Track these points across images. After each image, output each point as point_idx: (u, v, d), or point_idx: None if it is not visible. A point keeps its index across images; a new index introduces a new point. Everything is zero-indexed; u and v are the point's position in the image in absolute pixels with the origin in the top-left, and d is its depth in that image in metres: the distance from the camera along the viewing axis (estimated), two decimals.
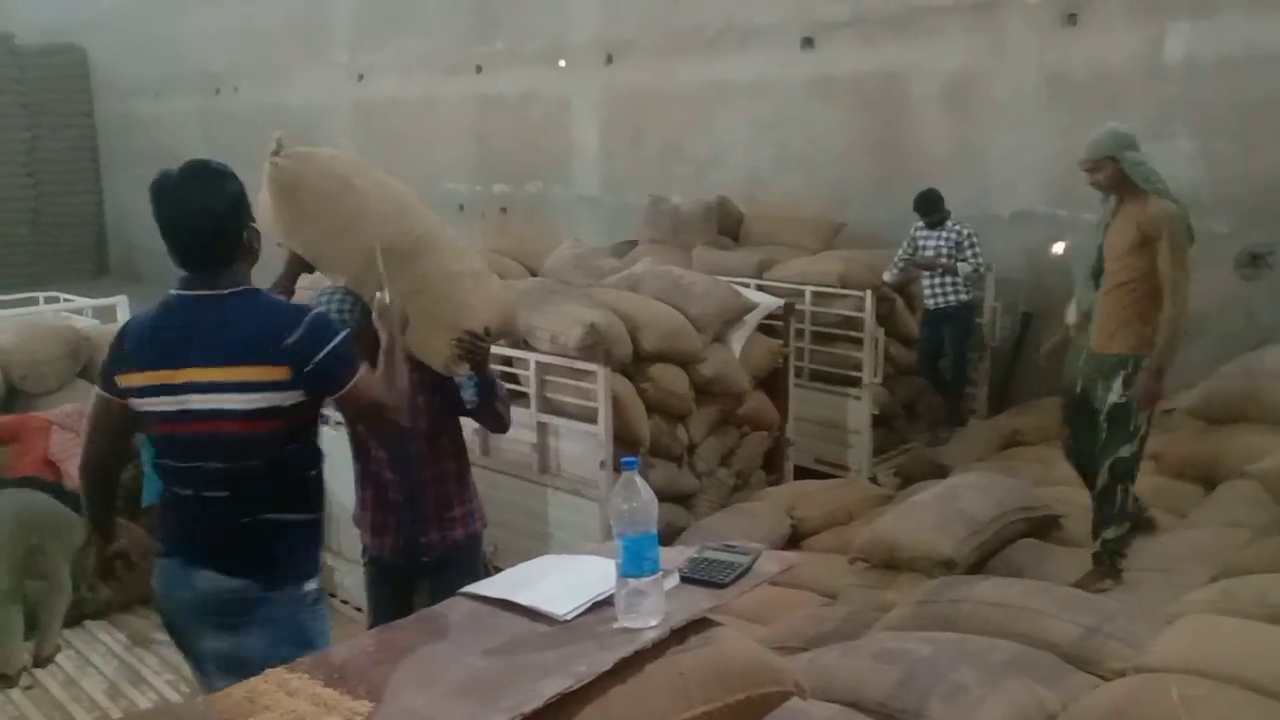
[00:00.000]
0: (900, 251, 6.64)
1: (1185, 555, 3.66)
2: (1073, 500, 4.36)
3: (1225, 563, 3.19)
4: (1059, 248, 6.85)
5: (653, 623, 1.77)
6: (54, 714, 4.06)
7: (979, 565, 3.76)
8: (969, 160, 7.19)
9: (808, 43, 8.00)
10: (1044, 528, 4.09)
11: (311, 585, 2.41)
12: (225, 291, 2.28)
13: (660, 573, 1.78)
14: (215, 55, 13.57)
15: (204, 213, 2.27)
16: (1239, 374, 4.66)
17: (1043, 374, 7.05)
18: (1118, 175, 3.79)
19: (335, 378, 2.29)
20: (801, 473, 5.98)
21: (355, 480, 3.09)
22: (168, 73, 14.41)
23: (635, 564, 1.74)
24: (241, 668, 2.04)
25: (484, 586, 2.02)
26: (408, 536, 3.03)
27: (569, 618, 1.83)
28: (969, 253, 6.44)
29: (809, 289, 6.60)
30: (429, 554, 3.03)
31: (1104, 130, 3.86)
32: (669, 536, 4.64)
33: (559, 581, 1.97)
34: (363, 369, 2.34)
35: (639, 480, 1.73)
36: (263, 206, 2.68)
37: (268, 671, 1.77)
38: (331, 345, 2.27)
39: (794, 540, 4.72)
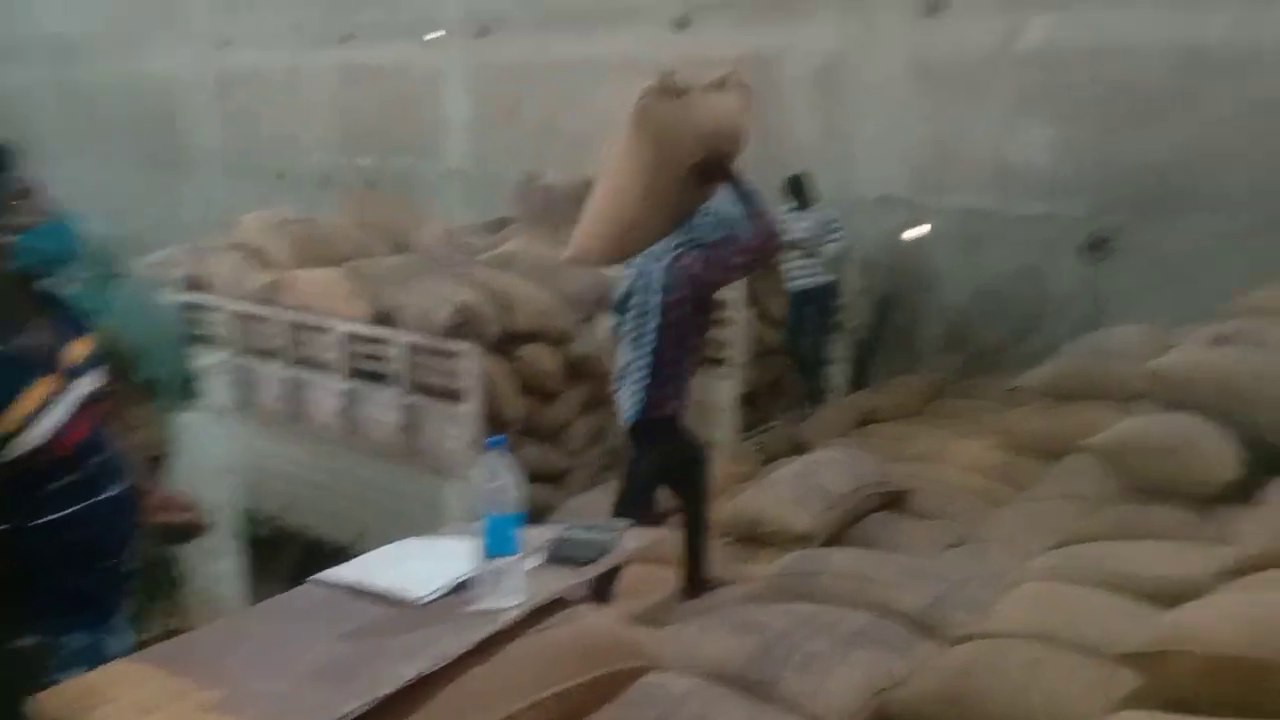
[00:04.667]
0: None
1: (1028, 525, 3.85)
2: (924, 475, 4.54)
3: (1064, 531, 3.37)
4: (918, 231, 7.09)
5: (514, 603, 1.77)
6: None
7: (836, 538, 3.88)
8: (836, 144, 7.36)
9: (681, 22, 8.04)
10: (898, 500, 4.26)
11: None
12: None
13: (523, 553, 1.79)
14: (69, 20, 12.74)
15: None
16: (1085, 353, 4.88)
17: (900, 355, 7.37)
18: None
19: None
20: None
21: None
22: (14, 39, 13.42)
23: (498, 544, 1.74)
24: None
25: (340, 572, 1.98)
26: None
27: (427, 601, 1.81)
28: (834, 235, 6.61)
29: None
30: None
31: None
32: (539, 516, 4.64)
33: (419, 564, 1.95)
34: None
35: (503, 459, 1.73)
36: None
37: (105, 666, 1.71)
38: None
39: (662, 517, 4.77)
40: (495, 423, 4.61)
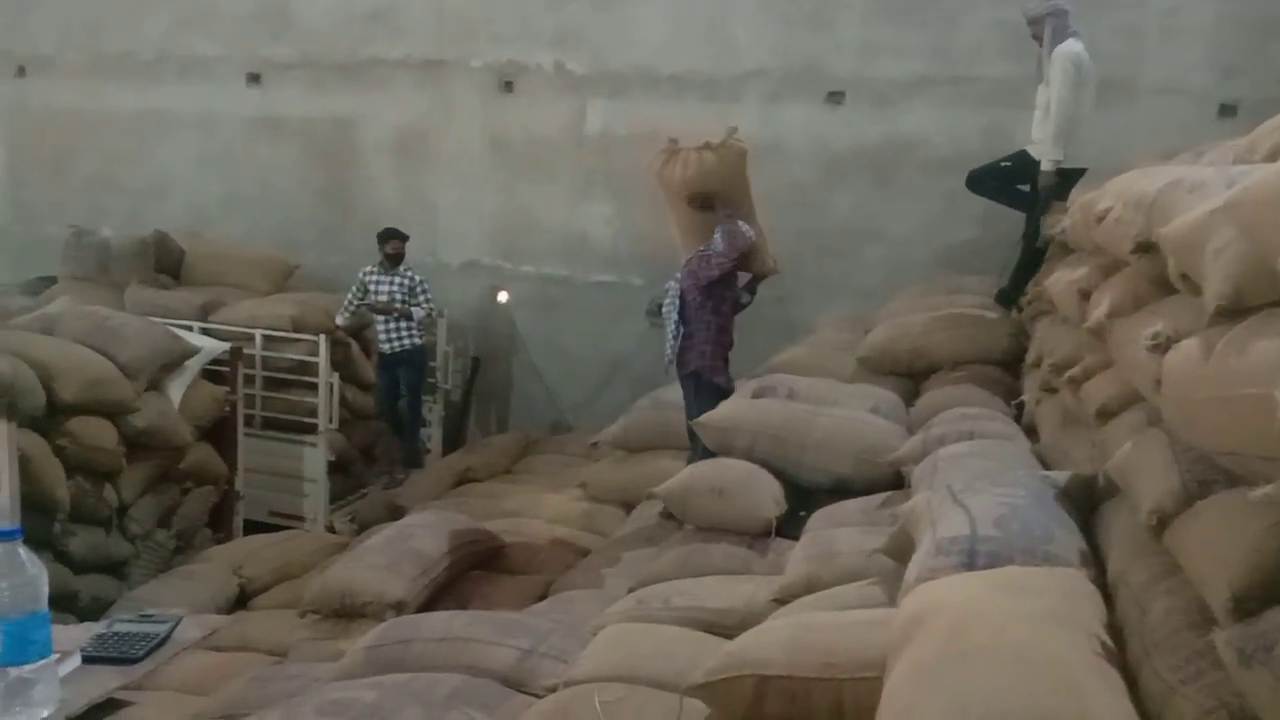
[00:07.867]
0: (352, 295, 6.63)
1: (611, 571, 4.07)
2: (516, 530, 4.65)
3: (640, 574, 3.59)
4: (503, 296, 7.32)
5: (44, 714, 1.55)
6: None
7: (432, 602, 3.84)
8: (420, 210, 7.42)
9: (254, 79, 7.74)
10: (491, 558, 4.31)
11: None
12: None
13: (55, 656, 1.57)
14: None
15: None
16: (650, 407, 5.31)
17: (496, 414, 7.52)
18: None
19: None
20: (254, 527, 5.72)
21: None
22: None
23: (19, 650, 1.51)
24: None
25: None
26: None
27: None
28: (421, 298, 6.62)
29: (259, 332, 6.34)
30: None
31: None
32: (96, 611, 4.15)
33: None
34: None
35: (22, 552, 1.52)
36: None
37: None
38: None
39: (243, 600, 4.46)
40: (38, 510, 4.08)
